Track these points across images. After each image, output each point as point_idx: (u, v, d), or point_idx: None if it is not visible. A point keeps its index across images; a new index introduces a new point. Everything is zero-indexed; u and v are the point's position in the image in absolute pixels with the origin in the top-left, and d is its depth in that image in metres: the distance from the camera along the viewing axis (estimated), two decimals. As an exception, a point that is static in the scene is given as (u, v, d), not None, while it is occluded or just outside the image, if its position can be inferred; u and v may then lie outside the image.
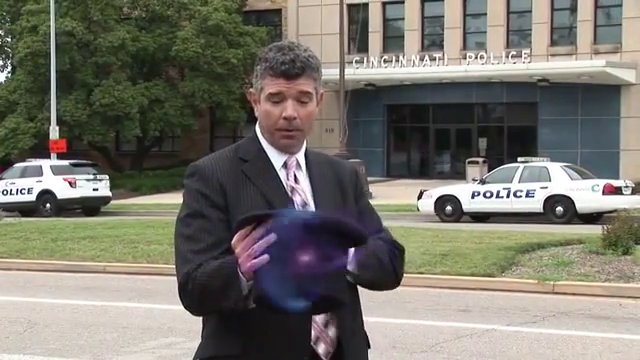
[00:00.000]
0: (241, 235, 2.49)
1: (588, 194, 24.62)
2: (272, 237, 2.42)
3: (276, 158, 2.78)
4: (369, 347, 2.91)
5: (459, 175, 36.11)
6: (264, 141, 2.79)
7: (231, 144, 2.89)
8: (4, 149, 37.93)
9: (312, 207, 2.74)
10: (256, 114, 2.79)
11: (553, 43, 37.67)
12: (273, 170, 2.76)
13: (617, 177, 30.57)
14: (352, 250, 2.58)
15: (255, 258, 2.44)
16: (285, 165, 2.78)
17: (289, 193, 2.74)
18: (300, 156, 2.81)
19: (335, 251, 2.47)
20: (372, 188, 33.34)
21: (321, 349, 2.69)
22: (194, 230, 2.66)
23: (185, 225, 2.69)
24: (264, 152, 2.78)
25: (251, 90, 2.81)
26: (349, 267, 2.62)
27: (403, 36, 40.37)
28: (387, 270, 2.77)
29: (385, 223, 2.96)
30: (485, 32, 38.82)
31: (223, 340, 2.70)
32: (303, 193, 2.76)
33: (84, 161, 33.97)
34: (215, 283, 2.54)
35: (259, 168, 2.75)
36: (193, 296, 2.60)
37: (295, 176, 2.78)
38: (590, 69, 34.98)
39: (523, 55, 37.04)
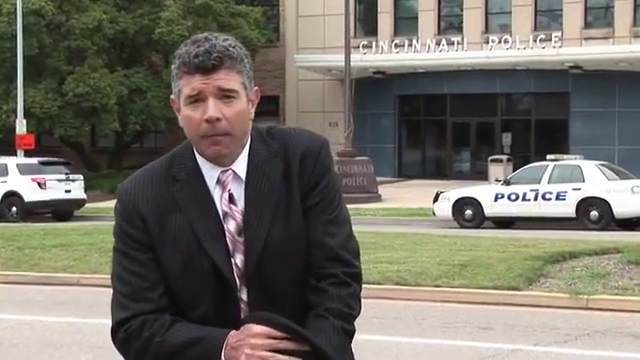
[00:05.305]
0: (269, 333, 2.52)
1: (627, 196, 24.63)
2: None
3: (210, 174, 2.66)
4: None
5: (480, 175, 36.16)
6: (198, 154, 2.68)
7: None
8: (-36, 145, 38.04)
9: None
10: (181, 124, 2.67)
11: (587, 25, 37.71)
12: (207, 192, 2.65)
13: (660, 177, 30.59)
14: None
15: None
16: (219, 181, 2.66)
17: (222, 220, 2.64)
18: (238, 166, 2.66)
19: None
20: (381, 190, 33.38)
21: None
22: (124, 270, 2.66)
23: (117, 261, 2.69)
24: (198, 168, 2.67)
25: (172, 97, 2.69)
26: None
27: (417, 17, 40.42)
28: (343, 342, 2.63)
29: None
30: (510, 13, 38.86)
31: None
32: (239, 216, 2.64)
33: (55, 159, 33.98)
34: (192, 352, 2.57)
35: (190, 191, 2.66)
36: (143, 354, 2.61)
37: (231, 196, 2.65)
38: (629, 54, 35.03)
39: (553, 39, 37.07)
